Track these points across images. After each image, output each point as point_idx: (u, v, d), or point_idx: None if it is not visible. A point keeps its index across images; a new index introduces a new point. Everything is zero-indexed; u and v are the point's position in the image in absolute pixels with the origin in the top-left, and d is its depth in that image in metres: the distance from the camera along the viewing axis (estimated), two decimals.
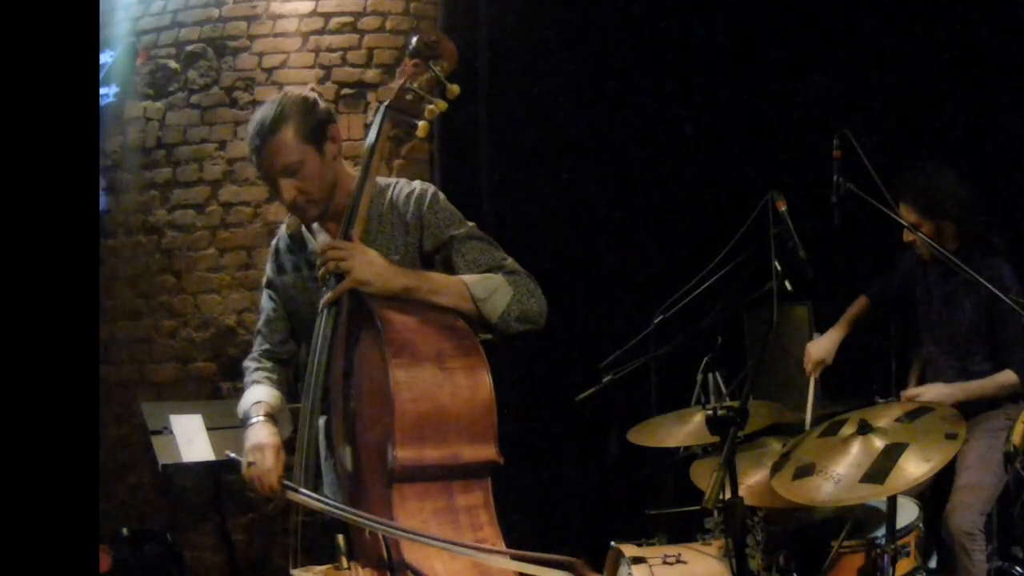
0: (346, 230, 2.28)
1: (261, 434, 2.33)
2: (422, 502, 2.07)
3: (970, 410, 3.33)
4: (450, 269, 2.35)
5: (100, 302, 5.06)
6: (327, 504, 2.15)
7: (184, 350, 5.09)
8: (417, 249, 2.40)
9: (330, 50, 5.06)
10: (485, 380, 2.17)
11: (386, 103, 2.35)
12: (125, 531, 4.57)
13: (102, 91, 5.22)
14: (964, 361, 3.40)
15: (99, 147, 5.16)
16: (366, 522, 2.07)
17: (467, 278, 2.30)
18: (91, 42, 1.74)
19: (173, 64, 5.21)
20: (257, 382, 2.52)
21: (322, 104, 2.41)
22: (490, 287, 2.28)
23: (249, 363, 2.62)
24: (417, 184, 2.47)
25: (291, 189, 2.33)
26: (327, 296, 2.25)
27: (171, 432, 4.12)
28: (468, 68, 4.63)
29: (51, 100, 1.62)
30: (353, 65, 5.05)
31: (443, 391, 2.12)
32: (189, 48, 5.18)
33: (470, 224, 2.41)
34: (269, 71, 5.08)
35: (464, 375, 2.16)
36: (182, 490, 4.91)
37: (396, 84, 2.36)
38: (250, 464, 2.30)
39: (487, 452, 2.15)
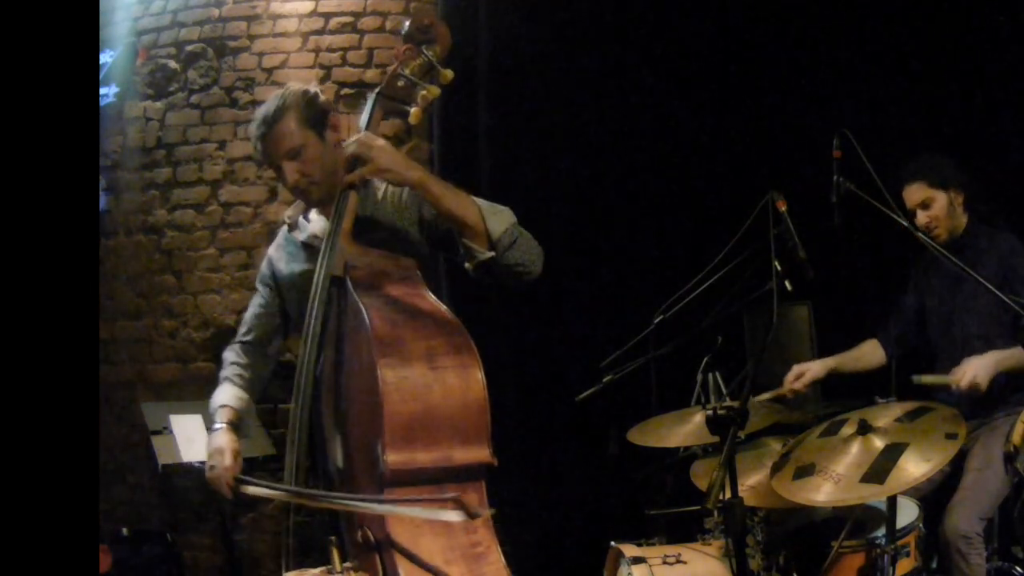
0: (337, 216, 2.31)
1: (222, 440, 2.51)
2: None
3: (984, 413, 3.32)
4: (448, 232, 2.37)
5: (100, 302, 5.06)
6: (281, 489, 2.19)
7: (184, 350, 5.09)
8: (416, 222, 2.46)
9: (330, 50, 5.06)
10: (478, 378, 2.09)
11: (377, 89, 2.35)
12: (125, 531, 4.57)
13: (102, 91, 5.22)
14: (990, 346, 3.31)
15: (99, 147, 5.16)
16: (323, 501, 2.11)
17: (474, 198, 2.34)
18: (91, 42, 1.74)
19: (173, 64, 5.21)
20: (228, 380, 2.69)
21: (322, 97, 2.51)
22: (495, 209, 2.32)
23: (227, 355, 2.76)
24: None
25: (294, 172, 2.43)
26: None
27: (171, 432, 4.12)
28: (468, 68, 4.63)
29: (51, 100, 1.62)
30: (353, 65, 5.05)
31: (434, 391, 2.04)
32: (189, 48, 5.18)
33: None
34: (269, 71, 5.08)
35: (456, 374, 2.07)
36: (182, 490, 4.91)
37: (388, 70, 2.35)
38: (211, 467, 2.48)
39: (480, 453, 2.07)
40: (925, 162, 3.48)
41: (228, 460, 2.46)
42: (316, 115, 2.46)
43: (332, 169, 2.43)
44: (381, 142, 2.28)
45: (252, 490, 2.28)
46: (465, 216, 2.26)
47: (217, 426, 2.56)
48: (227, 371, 2.72)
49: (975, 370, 3.10)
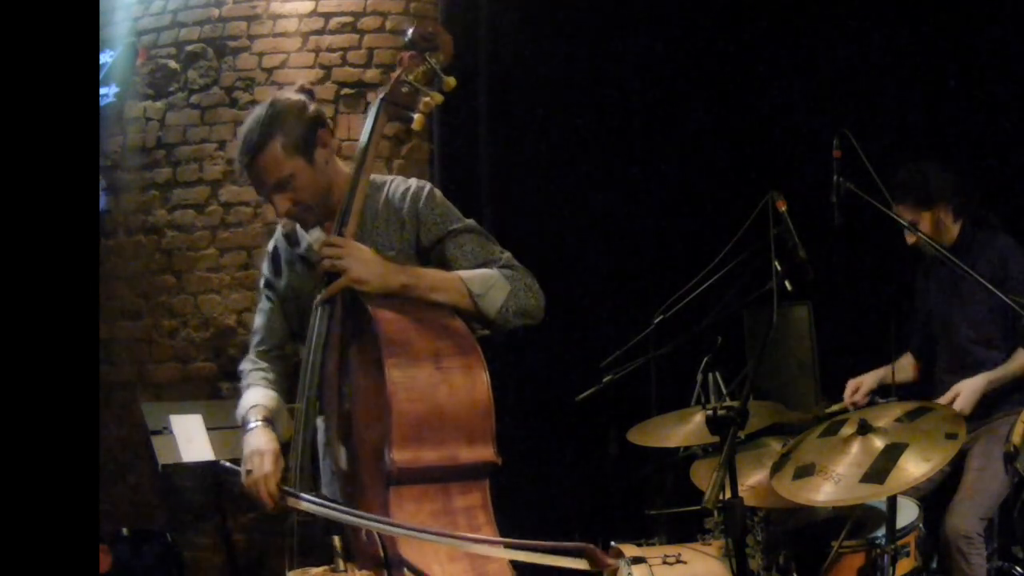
0: (339, 228, 2.26)
1: (260, 440, 2.26)
2: (419, 504, 2.04)
3: (984, 413, 3.32)
4: (445, 264, 2.33)
5: (100, 302, 5.06)
6: (329, 507, 2.07)
7: (184, 350, 5.09)
8: (413, 245, 2.39)
9: (330, 50, 5.06)
10: (483, 379, 2.14)
11: (381, 96, 2.33)
12: (125, 531, 4.57)
13: (102, 91, 5.22)
14: (987, 349, 3.36)
15: (99, 147, 5.16)
16: (371, 523, 2.01)
17: (464, 274, 2.28)
18: (91, 42, 1.74)
19: (173, 64, 5.21)
20: (253, 385, 2.47)
21: (312, 107, 2.36)
22: (487, 283, 2.26)
23: (245, 365, 2.57)
24: (413, 181, 2.46)
25: (285, 202, 2.31)
26: (322, 294, 2.21)
27: (171, 432, 4.12)
28: (468, 68, 4.63)
29: (51, 100, 1.62)
30: (353, 65, 5.05)
31: (440, 391, 2.08)
32: (189, 48, 5.18)
33: (467, 220, 2.41)
34: (269, 71, 5.08)
35: (461, 375, 2.12)
36: (182, 490, 4.91)
37: (392, 77, 2.34)
38: (248, 471, 2.22)
39: (485, 453, 2.12)
40: (909, 180, 3.44)
41: (268, 465, 2.18)
42: (303, 136, 2.29)
43: (326, 189, 2.35)
44: (354, 249, 2.19)
45: (295, 503, 2.09)
46: (457, 305, 2.24)
47: (252, 425, 2.30)
48: (249, 378, 2.50)
49: (963, 400, 3.21)
